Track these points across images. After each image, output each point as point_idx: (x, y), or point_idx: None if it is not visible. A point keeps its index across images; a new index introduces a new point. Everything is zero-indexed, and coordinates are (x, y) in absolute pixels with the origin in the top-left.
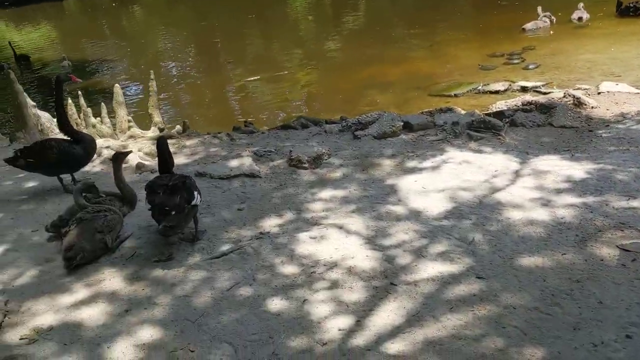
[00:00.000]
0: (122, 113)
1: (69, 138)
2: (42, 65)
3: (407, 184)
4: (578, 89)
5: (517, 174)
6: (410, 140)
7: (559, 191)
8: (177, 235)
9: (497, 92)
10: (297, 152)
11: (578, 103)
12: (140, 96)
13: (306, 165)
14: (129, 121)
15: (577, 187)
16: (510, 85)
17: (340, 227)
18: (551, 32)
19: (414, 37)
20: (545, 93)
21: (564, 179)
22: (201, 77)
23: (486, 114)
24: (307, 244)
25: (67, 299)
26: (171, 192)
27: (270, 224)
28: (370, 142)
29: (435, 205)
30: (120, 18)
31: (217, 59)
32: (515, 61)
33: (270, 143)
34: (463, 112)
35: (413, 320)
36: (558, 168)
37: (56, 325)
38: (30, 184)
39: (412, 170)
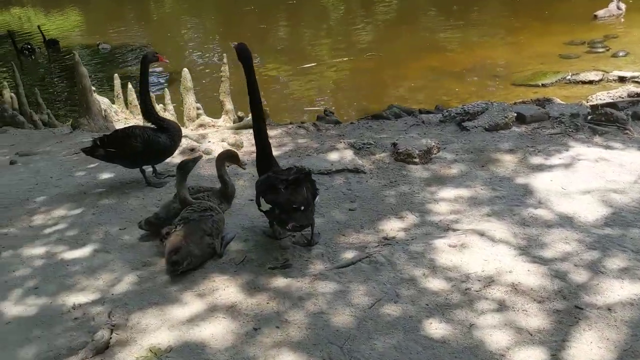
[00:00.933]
0: (190, 100)
1: (153, 126)
2: (70, 50)
3: (541, 183)
4: None
5: None
6: (525, 134)
7: None
8: (289, 239)
9: (590, 82)
10: (403, 145)
11: None
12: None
13: (417, 160)
14: (198, 108)
15: None
16: (604, 75)
17: (482, 234)
18: (622, 19)
19: (472, 24)
20: None
21: None
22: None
23: (602, 106)
24: (447, 254)
25: (179, 312)
26: (295, 187)
27: (392, 227)
28: (480, 134)
29: (586, 209)
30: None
31: (264, 43)
32: (600, 49)
33: (365, 134)
34: (563, 103)
35: (627, 356)
36: None
37: (176, 345)
38: (106, 176)
39: (540, 168)
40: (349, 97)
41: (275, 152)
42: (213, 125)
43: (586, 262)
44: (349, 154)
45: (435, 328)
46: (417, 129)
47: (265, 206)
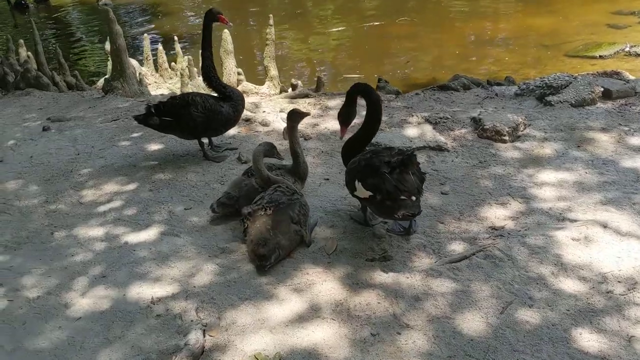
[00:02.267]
0: (230, 64)
1: (214, 93)
2: (62, 5)
3: None
4: None
5: None
6: (614, 110)
7: None
8: (381, 225)
9: None
10: (489, 120)
11: None
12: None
13: (506, 137)
14: (239, 74)
15: None
16: None
17: (604, 226)
18: None
19: None
20: None
21: None
22: (278, 29)
23: None
24: (572, 248)
25: (278, 311)
26: (401, 171)
27: (496, 215)
28: (567, 110)
29: None
30: None
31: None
32: None
33: (435, 107)
34: (632, 77)
35: None
36: None
37: (285, 352)
38: (155, 147)
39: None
40: (388, 65)
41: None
42: (257, 93)
43: None
44: (427, 129)
45: (588, 340)
46: (492, 102)
47: (364, 192)
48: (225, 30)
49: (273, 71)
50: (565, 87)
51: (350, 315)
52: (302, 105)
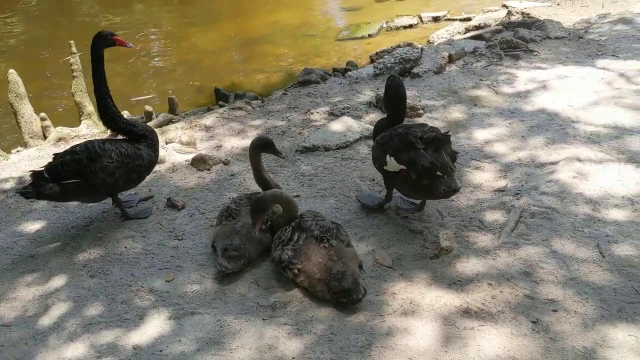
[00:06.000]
0: (27, 110)
1: (119, 136)
2: None
3: (550, 105)
4: (489, 11)
5: (625, 76)
6: (465, 70)
7: None
8: (411, 217)
9: (410, 26)
10: None
11: (528, 17)
12: None
13: (421, 111)
14: (43, 119)
15: None
16: (418, 18)
17: (579, 160)
18: None
19: None
20: (467, 19)
21: None
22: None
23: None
24: (581, 184)
25: (418, 343)
26: (436, 148)
27: (485, 178)
28: (433, 77)
29: (623, 115)
30: None
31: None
32: None
33: (319, 101)
34: (420, 45)
35: None
36: (626, 67)
37: None
38: (34, 226)
39: (524, 95)
40: (171, 82)
41: (247, 140)
42: (77, 136)
43: None
44: (348, 121)
45: None
46: (363, 85)
47: (395, 167)
48: (12, 70)
49: (89, 107)
50: (420, 59)
51: (493, 312)
52: (176, 131)
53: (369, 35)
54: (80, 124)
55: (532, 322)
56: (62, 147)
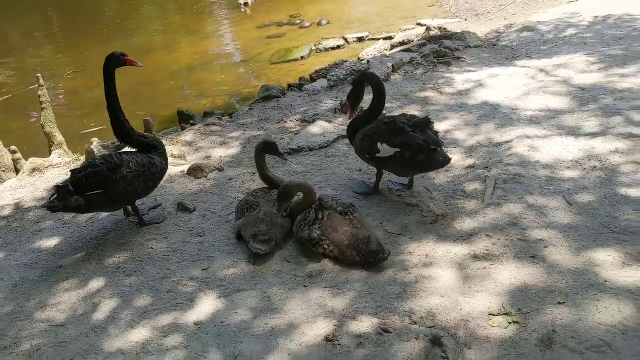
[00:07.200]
0: None
1: (132, 148)
2: None
3: (491, 99)
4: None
5: (544, 71)
6: (408, 77)
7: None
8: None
9: (338, 47)
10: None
11: (445, 31)
12: None
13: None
14: (14, 152)
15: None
16: (344, 40)
17: (528, 137)
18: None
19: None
20: (389, 37)
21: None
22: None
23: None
24: (531, 153)
25: (448, 282)
26: (422, 129)
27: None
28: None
29: (554, 100)
30: None
31: None
32: (305, 23)
33: (285, 112)
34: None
35: None
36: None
37: (509, 303)
38: (53, 242)
39: (466, 93)
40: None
41: (232, 150)
42: (50, 165)
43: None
44: (323, 125)
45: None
46: (322, 96)
47: (389, 151)
48: None
49: (59, 137)
50: (368, 70)
51: (497, 255)
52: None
53: (302, 57)
54: (50, 154)
55: (531, 257)
56: (38, 177)
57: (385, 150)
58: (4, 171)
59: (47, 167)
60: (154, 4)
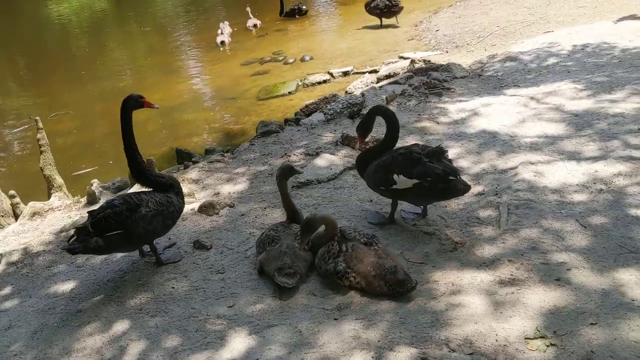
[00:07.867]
0: None
1: (145, 188)
2: None
3: (488, 126)
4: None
5: (535, 98)
6: (402, 109)
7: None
8: (419, 224)
9: (324, 81)
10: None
11: (430, 63)
12: None
13: None
14: (12, 196)
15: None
16: (329, 74)
17: (531, 163)
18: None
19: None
20: (374, 71)
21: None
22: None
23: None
24: (538, 179)
25: (480, 309)
26: (437, 158)
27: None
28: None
29: (552, 127)
30: None
31: None
32: (289, 59)
33: (288, 146)
34: (346, 95)
35: None
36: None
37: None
38: (67, 285)
39: (462, 122)
40: (105, 155)
41: (238, 187)
42: (51, 209)
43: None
44: (329, 157)
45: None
46: (322, 129)
47: (407, 183)
48: None
49: (58, 179)
50: (364, 102)
51: (522, 279)
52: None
53: (289, 92)
54: (50, 197)
55: (556, 279)
56: (40, 221)
57: (402, 181)
58: (2, 216)
59: (47, 211)
60: (126, 46)
